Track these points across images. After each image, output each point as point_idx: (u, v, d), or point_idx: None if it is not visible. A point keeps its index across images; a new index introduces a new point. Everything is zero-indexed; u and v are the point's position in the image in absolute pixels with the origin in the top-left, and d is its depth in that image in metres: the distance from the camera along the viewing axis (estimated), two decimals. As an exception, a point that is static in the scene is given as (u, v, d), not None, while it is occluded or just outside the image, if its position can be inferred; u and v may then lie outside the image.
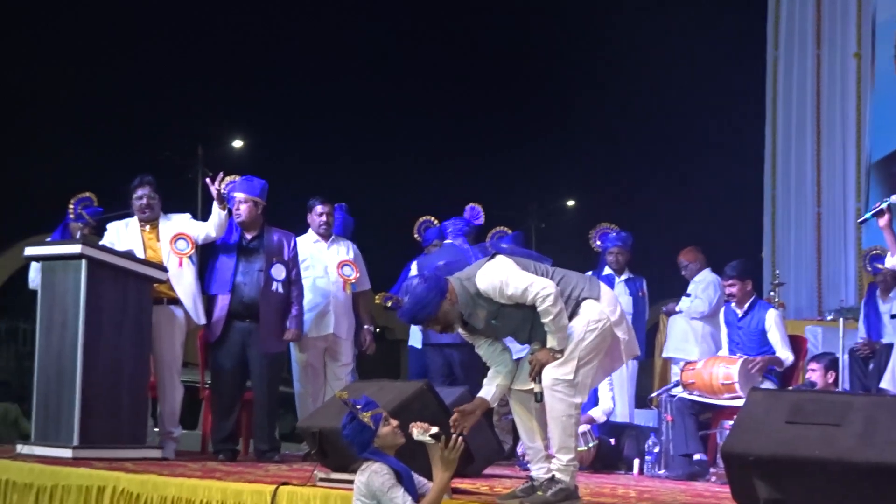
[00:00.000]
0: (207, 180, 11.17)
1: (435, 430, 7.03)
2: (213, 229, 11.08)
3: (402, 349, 28.32)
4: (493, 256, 7.69)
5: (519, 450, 12.01)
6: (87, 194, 11.51)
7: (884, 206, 9.85)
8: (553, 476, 7.41)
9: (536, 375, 7.45)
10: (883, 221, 9.77)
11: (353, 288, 12.10)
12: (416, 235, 13.37)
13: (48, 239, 11.34)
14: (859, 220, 10.33)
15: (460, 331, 7.77)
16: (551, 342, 7.45)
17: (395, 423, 7.14)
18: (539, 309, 7.39)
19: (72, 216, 11.42)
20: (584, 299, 7.58)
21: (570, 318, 7.52)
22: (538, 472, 7.56)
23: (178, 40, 31.96)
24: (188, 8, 31.64)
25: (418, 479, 7.05)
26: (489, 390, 7.71)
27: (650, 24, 27.59)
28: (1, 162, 29.58)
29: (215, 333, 11.21)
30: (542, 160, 33.92)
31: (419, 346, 12.91)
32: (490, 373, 7.84)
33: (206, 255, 11.34)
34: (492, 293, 7.47)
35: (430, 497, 6.90)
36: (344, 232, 12.51)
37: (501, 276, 7.46)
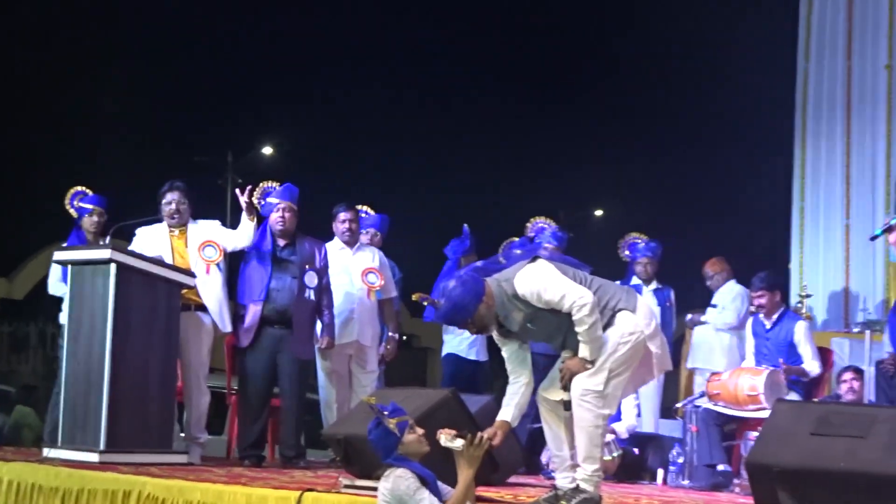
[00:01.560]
0: (237, 191, 11.17)
1: (460, 442, 7.06)
2: (243, 239, 11.10)
3: (430, 356, 28.43)
4: (533, 259, 7.68)
5: (543, 458, 12.03)
6: (79, 188, 11.64)
7: (893, 222, 9.87)
8: (577, 486, 7.42)
9: (567, 384, 7.47)
10: (893, 238, 9.78)
11: (377, 295, 12.13)
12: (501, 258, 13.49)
13: (64, 244, 11.41)
14: (870, 237, 10.35)
15: (494, 333, 7.76)
16: (583, 352, 7.45)
17: (420, 431, 7.15)
18: (574, 318, 7.40)
19: (74, 214, 11.53)
20: (620, 310, 7.57)
21: (606, 328, 7.52)
22: (563, 480, 7.57)
23: (210, 50, 32.04)
24: (221, 18, 31.72)
25: (442, 486, 7.06)
26: (509, 411, 7.74)
27: (682, 35, 27.58)
28: (32, 168, 29.73)
29: (248, 340, 11.22)
30: (570, 168, 33.85)
31: (459, 353, 13.21)
32: (509, 391, 7.88)
33: (236, 262, 11.35)
34: (529, 297, 7.49)
35: (457, 493, 6.96)
36: (381, 228, 12.59)
37: (540, 281, 7.47)
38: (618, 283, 8.71)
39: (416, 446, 7.15)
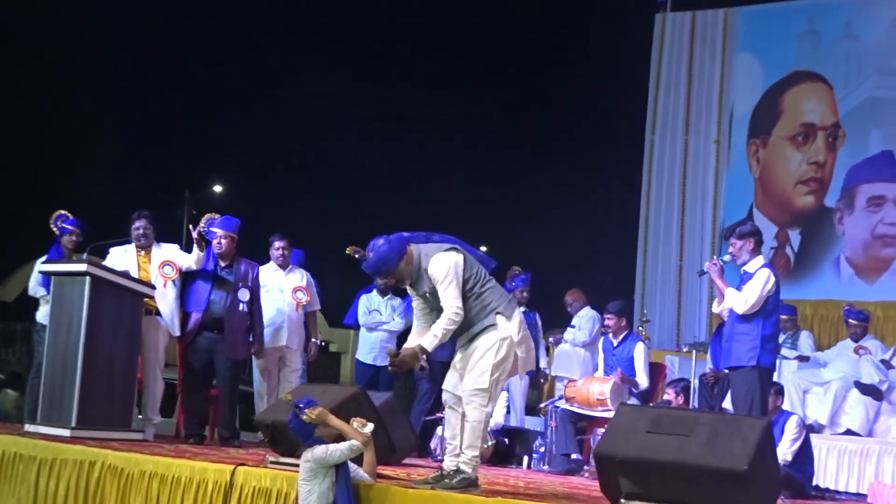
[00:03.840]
0: (190, 226, 11.23)
1: (371, 426, 7.33)
2: (194, 263, 11.13)
3: (342, 359, 28.35)
4: (454, 248, 7.62)
5: (433, 445, 12.05)
6: (62, 211, 11.63)
7: (703, 268, 10.21)
8: (459, 468, 7.42)
9: (393, 359, 7.58)
10: (714, 274, 10.03)
11: (304, 309, 12.17)
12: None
13: (44, 258, 11.38)
14: (698, 272, 10.65)
15: (408, 287, 7.75)
16: (426, 342, 7.48)
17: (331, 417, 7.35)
18: (443, 317, 7.43)
19: (56, 232, 11.49)
20: (500, 314, 7.55)
21: (485, 328, 7.52)
22: (448, 463, 7.56)
23: (176, 98, 31.70)
24: (180, 68, 31.41)
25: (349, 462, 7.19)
26: (415, 340, 7.75)
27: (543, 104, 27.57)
28: (19, 191, 29.45)
29: (187, 341, 11.24)
30: (461, 204, 33.15)
31: (364, 360, 13.44)
32: (413, 332, 7.94)
33: (185, 278, 11.35)
34: (432, 279, 7.51)
35: (369, 461, 7.43)
36: (298, 261, 12.59)
37: (443, 274, 7.45)
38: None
39: (327, 431, 7.33)
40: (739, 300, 9.59)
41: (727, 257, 10.01)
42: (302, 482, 7.21)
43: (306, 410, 7.35)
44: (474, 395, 7.46)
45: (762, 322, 9.59)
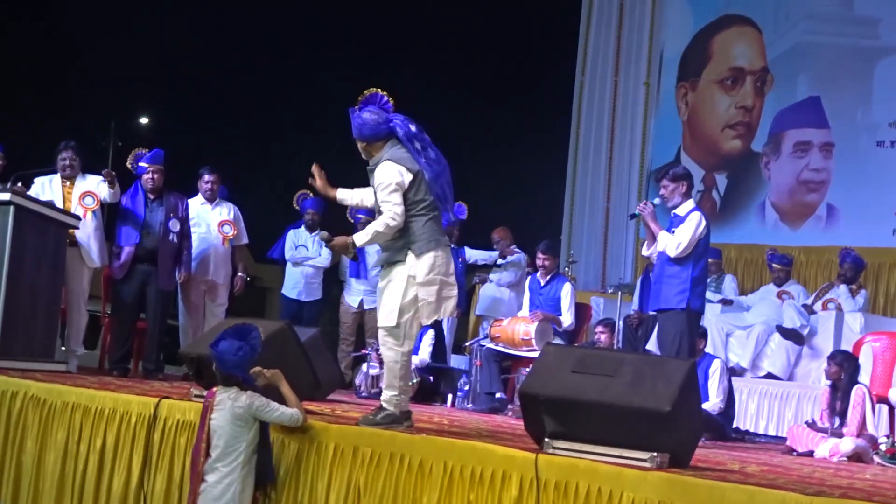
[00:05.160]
0: (103, 171, 11.22)
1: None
2: (108, 197, 11.13)
3: (269, 295, 28.29)
4: (406, 168, 7.45)
5: (357, 381, 12.08)
6: None
7: (635, 211, 10.18)
8: (381, 405, 7.44)
9: (327, 243, 7.68)
10: (647, 217, 10.03)
11: (231, 243, 12.13)
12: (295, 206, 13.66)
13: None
14: (629, 215, 10.64)
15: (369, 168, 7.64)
16: (359, 237, 7.51)
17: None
18: (380, 217, 7.39)
19: None
20: (411, 252, 7.42)
21: (395, 261, 7.46)
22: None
23: (108, 27, 31.18)
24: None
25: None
26: (343, 191, 7.95)
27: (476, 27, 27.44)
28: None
29: (122, 273, 11.20)
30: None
31: (289, 295, 13.58)
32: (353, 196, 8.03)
33: (116, 213, 11.34)
34: (376, 177, 7.46)
35: (291, 398, 7.25)
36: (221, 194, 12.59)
37: (384, 184, 7.38)
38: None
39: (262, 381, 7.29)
40: (672, 243, 9.61)
41: (657, 200, 10.02)
42: (226, 424, 7.07)
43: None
44: (385, 335, 7.46)
45: (692, 265, 9.63)
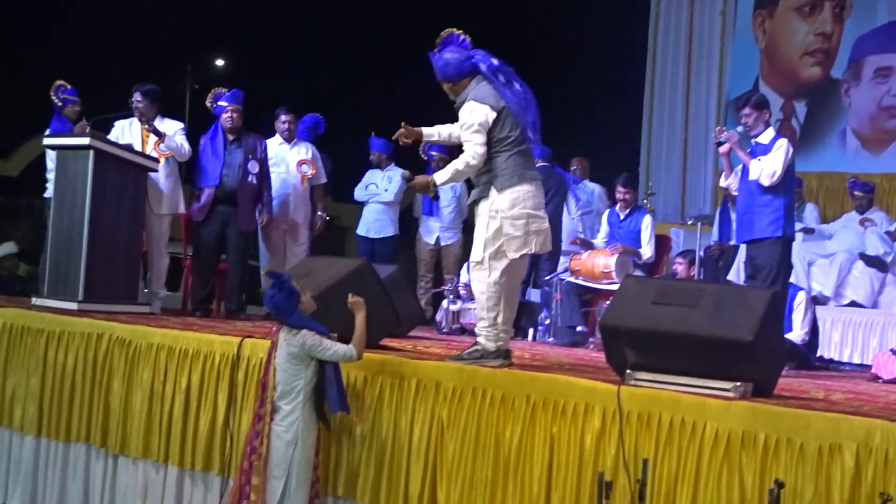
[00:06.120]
0: (145, 126, 11.03)
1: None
2: (179, 153, 11.09)
3: (347, 234, 28.38)
4: (487, 105, 7.42)
5: (438, 317, 12.12)
6: (61, 82, 11.57)
7: (721, 138, 9.98)
8: (476, 340, 7.46)
9: (408, 182, 7.75)
10: (723, 149, 9.89)
11: (309, 182, 12.16)
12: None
13: (48, 130, 11.33)
14: (715, 142, 10.43)
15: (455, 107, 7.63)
16: (439, 175, 7.53)
17: (308, 292, 7.38)
18: (462, 156, 7.41)
19: (59, 103, 11.43)
20: (494, 187, 7.39)
21: (480, 197, 7.45)
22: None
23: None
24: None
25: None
26: (427, 131, 7.93)
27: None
28: (21, 65, 29.25)
29: (202, 215, 11.27)
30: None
31: (360, 233, 13.70)
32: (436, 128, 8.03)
33: (195, 154, 11.37)
34: (461, 114, 7.46)
35: (358, 331, 7.27)
36: (308, 136, 12.59)
37: (467, 122, 7.39)
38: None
39: (309, 305, 7.36)
40: (766, 172, 9.44)
41: (740, 128, 9.88)
42: (283, 363, 7.21)
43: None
44: (473, 269, 7.50)
45: (784, 192, 9.49)
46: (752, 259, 9.68)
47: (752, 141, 9.75)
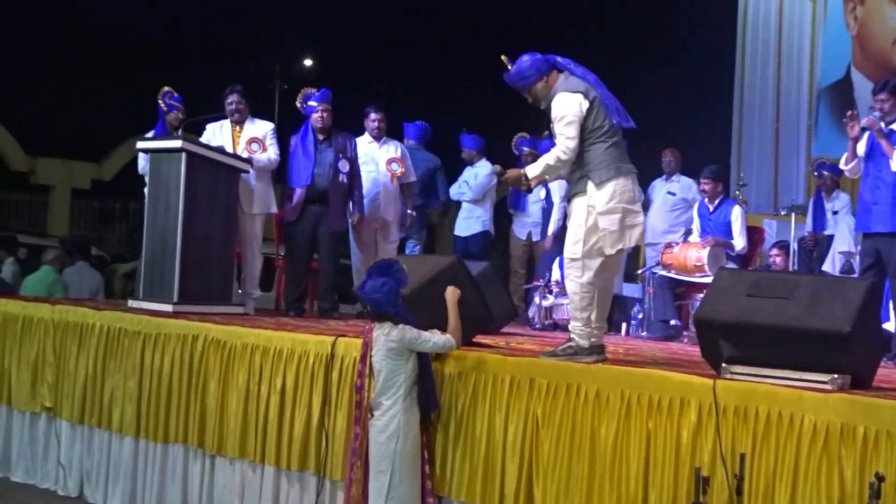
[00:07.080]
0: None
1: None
2: (263, 167, 11.17)
3: (437, 232, 28.45)
4: (579, 92, 7.33)
5: (530, 313, 12.11)
6: (168, 88, 11.69)
7: (864, 124, 9.53)
8: (570, 337, 7.43)
9: (500, 176, 7.70)
10: (854, 132, 9.54)
11: (399, 180, 12.19)
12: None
13: (151, 133, 11.46)
14: (860, 127, 9.89)
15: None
16: (531, 169, 7.45)
17: None
18: (553, 149, 7.33)
19: (164, 108, 11.55)
20: (590, 181, 7.27)
21: (576, 192, 7.33)
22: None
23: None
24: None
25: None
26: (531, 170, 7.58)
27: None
28: (116, 71, 29.65)
29: (294, 216, 11.34)
30: None
31: (455, 232, 13.88)
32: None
33: (285, 154, 11.44)
34: (552, 111, 7.37)
35: (452, 322, 7.39)
36: (421, 139, 13.14)
37: (560, 115, 7.29)
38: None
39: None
40: None
41: (877, 114, 9.49)
42: (383, 360, 7.21)
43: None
44: (568, 267, 7.41)
45: None
46: (877, 251, 9.31)
47: (886, 128, 9.30)
